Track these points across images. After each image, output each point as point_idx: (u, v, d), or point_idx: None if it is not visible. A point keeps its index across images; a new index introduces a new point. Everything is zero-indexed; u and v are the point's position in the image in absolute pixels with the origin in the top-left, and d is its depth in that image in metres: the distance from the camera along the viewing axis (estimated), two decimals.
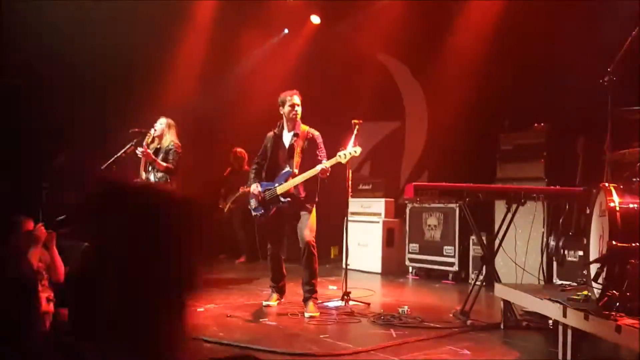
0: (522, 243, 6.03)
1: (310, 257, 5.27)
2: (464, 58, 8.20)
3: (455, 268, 7.66)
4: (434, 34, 8.75)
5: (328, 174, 5.29)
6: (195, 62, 9.07)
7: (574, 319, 3.57)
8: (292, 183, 5.37)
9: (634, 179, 3.75)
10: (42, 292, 3.62)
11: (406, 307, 5.27)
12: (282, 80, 7.94)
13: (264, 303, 5.60)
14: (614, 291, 3.37)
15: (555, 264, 5.98)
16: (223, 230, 9.04)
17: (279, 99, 5.52)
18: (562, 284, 4.98)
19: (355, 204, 8.49)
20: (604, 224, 3.63)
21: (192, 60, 9.03)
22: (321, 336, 4.45)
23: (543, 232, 6.29)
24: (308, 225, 5.31)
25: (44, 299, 3.60)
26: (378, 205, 8.66)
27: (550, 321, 4.32)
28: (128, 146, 5.85)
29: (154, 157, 6.01)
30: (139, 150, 5.91)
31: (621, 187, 3.67)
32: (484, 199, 5.39)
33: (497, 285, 5.00)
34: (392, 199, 8.80)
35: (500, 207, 6.22)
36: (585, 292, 3.86)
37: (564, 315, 3.67)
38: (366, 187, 9.13)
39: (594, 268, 3.63)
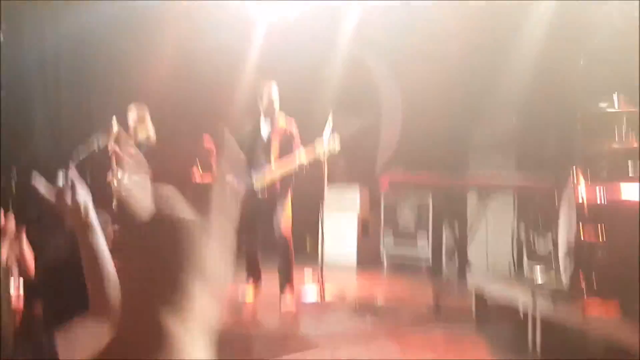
0: (493, 233, 6.12)
1: (285, 249, 5.25)
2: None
3: (429, 257, 7.72)
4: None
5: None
6: None
7: (542, 304, 3.66)
8: (269, 177, 5.30)
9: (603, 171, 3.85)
10: (12, 287, 3.57)
11: (380, 299, 5.32)
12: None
13: (241, 299, 5.54)
14: (582, 277, 3.47)
15: (525, 253, 6.08)
16: None
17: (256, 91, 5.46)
18: (532, 269, 5.05)
19: (330, 195, 8.47)
20: (571, 214, 3.71)
21: None
22: (296, 331, 4.46)
23: (514, 223, 6.38)
24: (283, 217, 5.30)
25: (15, 294, 3.55)
26: (353, 196, 8.69)
27: (521, 312, 4.40)
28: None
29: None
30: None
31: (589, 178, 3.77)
32: (455, 191, 5.46)
33: (468, 275, 5.08)
34: (367, 189, 8.82)
35: (472, 197, 6.31)
36: (553, 278, 3.96)
37: (534, 302, 3.75)
38: (341, 177, 9.12)
39: (562, 256, 3.72)
